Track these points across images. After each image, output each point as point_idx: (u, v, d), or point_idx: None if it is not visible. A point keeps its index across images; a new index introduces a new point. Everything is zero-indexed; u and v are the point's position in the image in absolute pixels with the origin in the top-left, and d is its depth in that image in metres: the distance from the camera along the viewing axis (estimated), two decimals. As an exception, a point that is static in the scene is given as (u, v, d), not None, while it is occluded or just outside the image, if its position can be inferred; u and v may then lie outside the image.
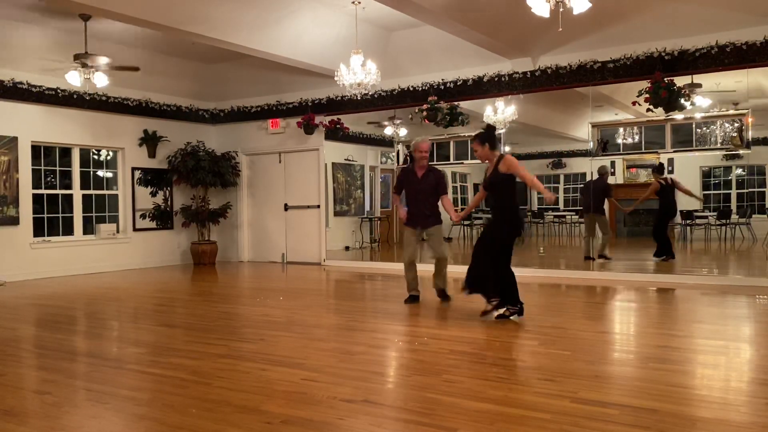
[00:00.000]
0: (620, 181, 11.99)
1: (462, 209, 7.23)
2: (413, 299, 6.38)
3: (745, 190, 10.59)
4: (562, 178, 12.20)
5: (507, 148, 9.69)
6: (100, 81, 8.21)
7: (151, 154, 10.91)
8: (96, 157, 10.52)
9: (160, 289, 8.21)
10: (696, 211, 10.53)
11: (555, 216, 11.79)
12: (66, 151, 9.94)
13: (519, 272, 8.56)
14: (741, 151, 9.03)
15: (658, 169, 9.62)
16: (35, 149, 9.40)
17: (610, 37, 7.97)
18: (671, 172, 9.99)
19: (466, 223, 11.23)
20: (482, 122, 9.32)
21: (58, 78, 8.83)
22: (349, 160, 11.53)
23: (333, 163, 11.15)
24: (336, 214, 11.28)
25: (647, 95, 7.68)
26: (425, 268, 6.74)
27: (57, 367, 4.16)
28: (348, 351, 4.44)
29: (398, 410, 3.19)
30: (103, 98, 9.99)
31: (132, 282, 8.92)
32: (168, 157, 10.97)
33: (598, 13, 6.65)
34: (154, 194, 11.01)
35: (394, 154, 11.51)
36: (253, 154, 11.73)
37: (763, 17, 7.18)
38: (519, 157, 12.21)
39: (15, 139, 8.98)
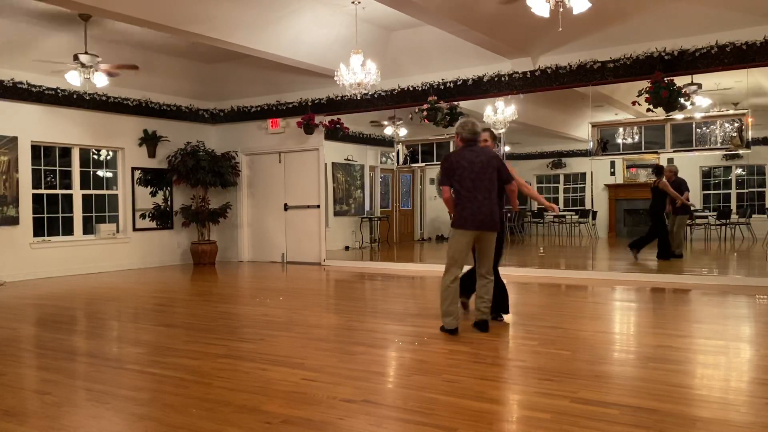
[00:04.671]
0: (620, 181, 12.02)
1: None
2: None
3: (745, 190, 10.60)
4: (561, 177, 12.21)
5: (507, 148, 9.71)
6: (100, 81, 8.21)
7: (151, 154, 10.91)
8: (96, 157, 10.51)
9: (159, 289, 8.21)
10: (695, 210, 10.53)
11: (554, 216, 11.80)
12: (66, 151, 9.94)
13: (519, 272, 8.65)
14: (741, 151, 9.04)
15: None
16: (35, 149, 9.40)
17: (610, 37, 7.97)
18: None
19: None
20: (483, 122, 9.34)
21: (58, 78, 8.82)
22: (349, 160, 11.52)
23: (333, 163, 11.15)
24: (336, 214, 11.28)
25: (648, 95, 7.68)
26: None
27: (57, 367, 4.15)
28: (348, 351, 4.44)
29: (398, 410, 3.19)
30: (103, 98, 9.99)
31: (132, 282, 8.92)
32: (168, 157, 10.97)
33: (598, 13, 6.66)
34: (154, 194, 11.01)
35: (394, 153, 11.51)
36: (253, 154, 11.73)
37: (763, 17, 7.18)
38: (519, 156, 12.33)
39: (15, 139, 8.98)
